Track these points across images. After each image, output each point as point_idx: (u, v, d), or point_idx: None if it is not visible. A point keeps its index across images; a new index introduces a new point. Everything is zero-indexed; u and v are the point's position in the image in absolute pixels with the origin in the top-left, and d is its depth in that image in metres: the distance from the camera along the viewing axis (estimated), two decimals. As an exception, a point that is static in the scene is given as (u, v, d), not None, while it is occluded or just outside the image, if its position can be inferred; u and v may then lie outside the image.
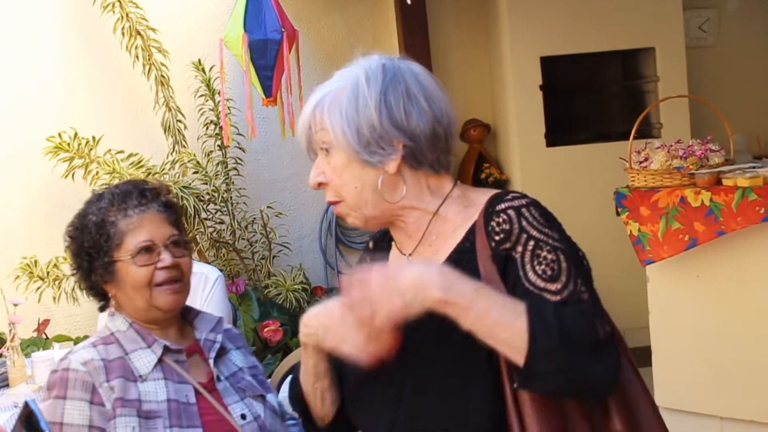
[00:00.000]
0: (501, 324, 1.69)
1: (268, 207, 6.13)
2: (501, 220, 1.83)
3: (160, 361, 2.31)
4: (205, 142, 6.05)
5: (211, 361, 2.38)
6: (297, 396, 2.08)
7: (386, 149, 1.90)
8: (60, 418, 2.20)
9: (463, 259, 1.88)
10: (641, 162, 4.76)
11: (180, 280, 2.33)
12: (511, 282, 1.81)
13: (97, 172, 5.70)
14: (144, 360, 2.30)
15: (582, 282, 1.79)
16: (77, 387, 2.22)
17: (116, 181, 5.63)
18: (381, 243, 2.11)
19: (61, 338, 5.75)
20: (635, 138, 4.77)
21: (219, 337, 2.42)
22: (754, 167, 4.59)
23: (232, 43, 4.90)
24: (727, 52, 7.19)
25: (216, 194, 5.91)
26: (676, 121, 6.45)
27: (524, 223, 1.82)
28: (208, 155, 6.03)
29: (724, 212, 4.41)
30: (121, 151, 5.77)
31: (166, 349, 2.32)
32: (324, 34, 6.68)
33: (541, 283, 1.78)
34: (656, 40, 6.58)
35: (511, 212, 1.83)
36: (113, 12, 5.84)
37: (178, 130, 5.94)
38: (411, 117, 1.89)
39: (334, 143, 1.91)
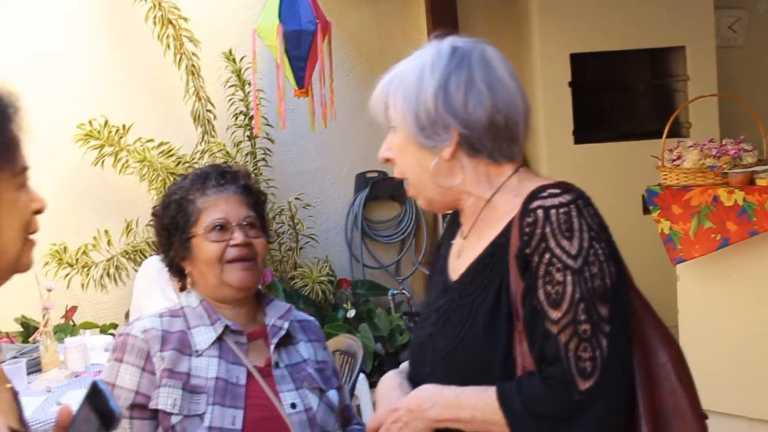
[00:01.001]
0: (487, 423, 1.85)
1: (296, 198, 6.13)
2: (531, 220, 1.83)
3: (220, 339, 2.35)
4: (234, 132, 6.06)
5: (272, 347, 2.40)
6: None
7: (441, 135, 1.91)
8: (114, 379, 2.30)
9: (496, 253, 1.91)
10: (674, 160, 4.75)
11: (252, 259, 2.38)
12: (526, 286, 1.83)
13: (126, 161, 5.72)
14: (203, 336, 2.35)
15: (585, 309, 1.78)
16: (133, 352, 2.31)
17: (145, 170, 5.69)
18: (452, 225, 2.15)
19: (88, 325, 5.77)
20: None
21: (286, 325, 2.44)
22: (788, 167, 4.58)
23: (266, 33, 4.91)
24: (757, 52, 7.15)
25: (244, 185, 5.92)
26: (705, 120, 6.42)
27: (547, 229, 1.81)
28: (237, 145, 6.04)
29: (757, 212, 4.39)
30: (151, 140, 5.79)
31: (227, 329, 2.36)
32: (353, 29, 6.67)
33: (545, 306, 1.80)
34: (687, 38, 6.54)
35: (540, 212, 1.83)
36: (145, 1, 5.86)
37: (208, 120, 5.95)
38: (468, 105, 1.89)
39: (396, 123, 1.93)
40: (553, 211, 1.82)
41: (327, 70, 5.14)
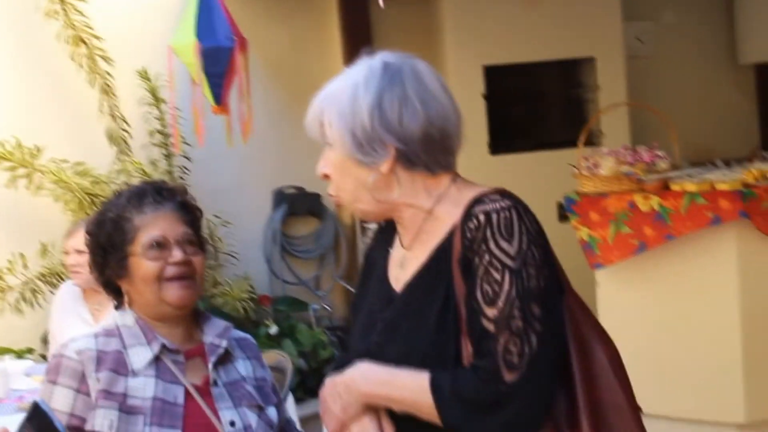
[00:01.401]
0: (417, 404, 1.91)
1: (215, 216, 6.08)
2: (473, 225, 1.89)
3: (157, 359, 2.32)
4: (150, 150, 5.99)
5: (210, 365, 2.38)
6: None
7: (378, 151, 1.94)
8: (48, 401, 2.22)
9: (441, 258, 1.95)
10: (590, 168, 4.85)
11: (191, 277, 2.35)
12: (468, 288, 1.88)
13: (41, 182, 5.61)
14: (140, 356, 2.31)
15: (519, 306, 1.85)
16: (67, 374, 2.27)
17: (61, 191, 5.58)
18: (384, 233, 2.17)
19: (3, 351, 5.64)
20: (576, 146, 4.86)
21: (224, 343, 2.42)
22: (701, 173, 4.70)
23: (182, 50, 4.87)
24: (664, 62, 7.32)
25: (162, 203, 5.85)
26: (617, 129, 6.54)
27: (488, 232, 1.87)
28: (154, 164, 5.96)
29: (672, 217, 4.50)
30: (66, 160, 5.68)
31: (164, 348, 2.33)
32: (267, 44, 6.62)
33: (481, 304, 1.86)
34: (596, 50, 6.69)
35: (482, 217, 1.89)
36: (57, 19, 5.76)
37: (123, 139, 5.87)
38: (403, 120, 1.93)
39: (333, 140, 1.95)
40: (494, 214, 1.88)
41: (244, 86, 5.12)
